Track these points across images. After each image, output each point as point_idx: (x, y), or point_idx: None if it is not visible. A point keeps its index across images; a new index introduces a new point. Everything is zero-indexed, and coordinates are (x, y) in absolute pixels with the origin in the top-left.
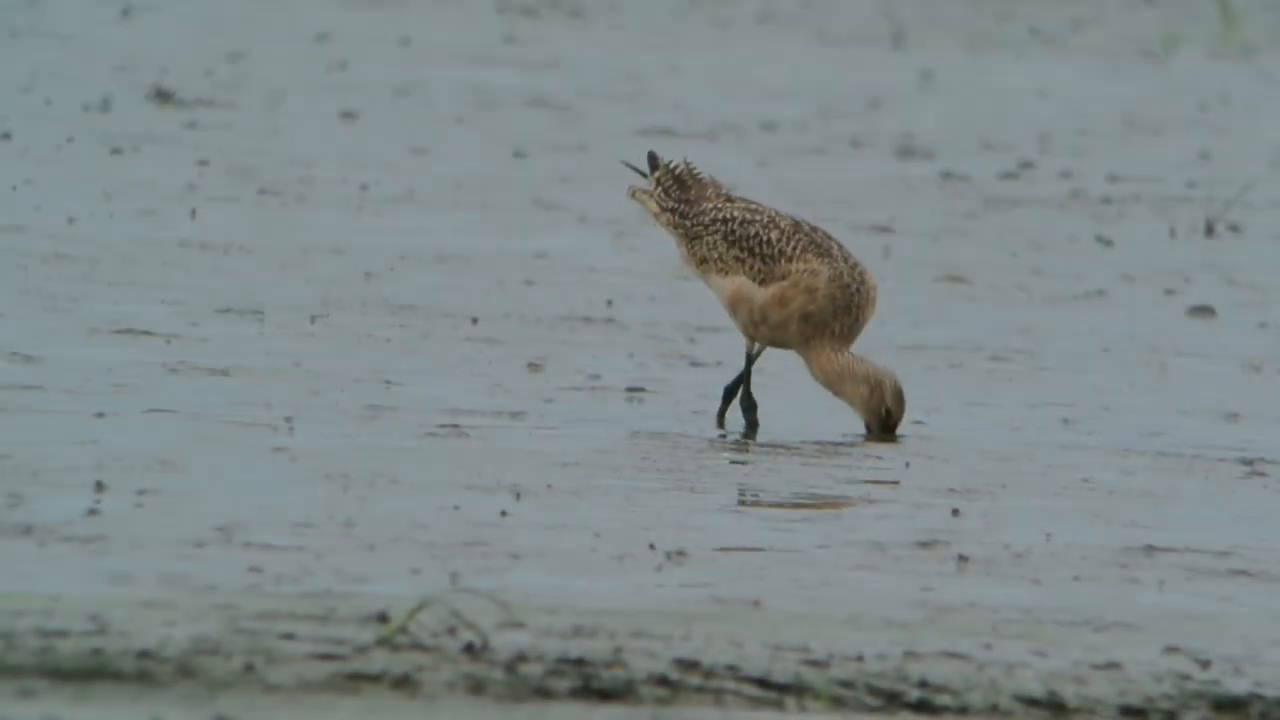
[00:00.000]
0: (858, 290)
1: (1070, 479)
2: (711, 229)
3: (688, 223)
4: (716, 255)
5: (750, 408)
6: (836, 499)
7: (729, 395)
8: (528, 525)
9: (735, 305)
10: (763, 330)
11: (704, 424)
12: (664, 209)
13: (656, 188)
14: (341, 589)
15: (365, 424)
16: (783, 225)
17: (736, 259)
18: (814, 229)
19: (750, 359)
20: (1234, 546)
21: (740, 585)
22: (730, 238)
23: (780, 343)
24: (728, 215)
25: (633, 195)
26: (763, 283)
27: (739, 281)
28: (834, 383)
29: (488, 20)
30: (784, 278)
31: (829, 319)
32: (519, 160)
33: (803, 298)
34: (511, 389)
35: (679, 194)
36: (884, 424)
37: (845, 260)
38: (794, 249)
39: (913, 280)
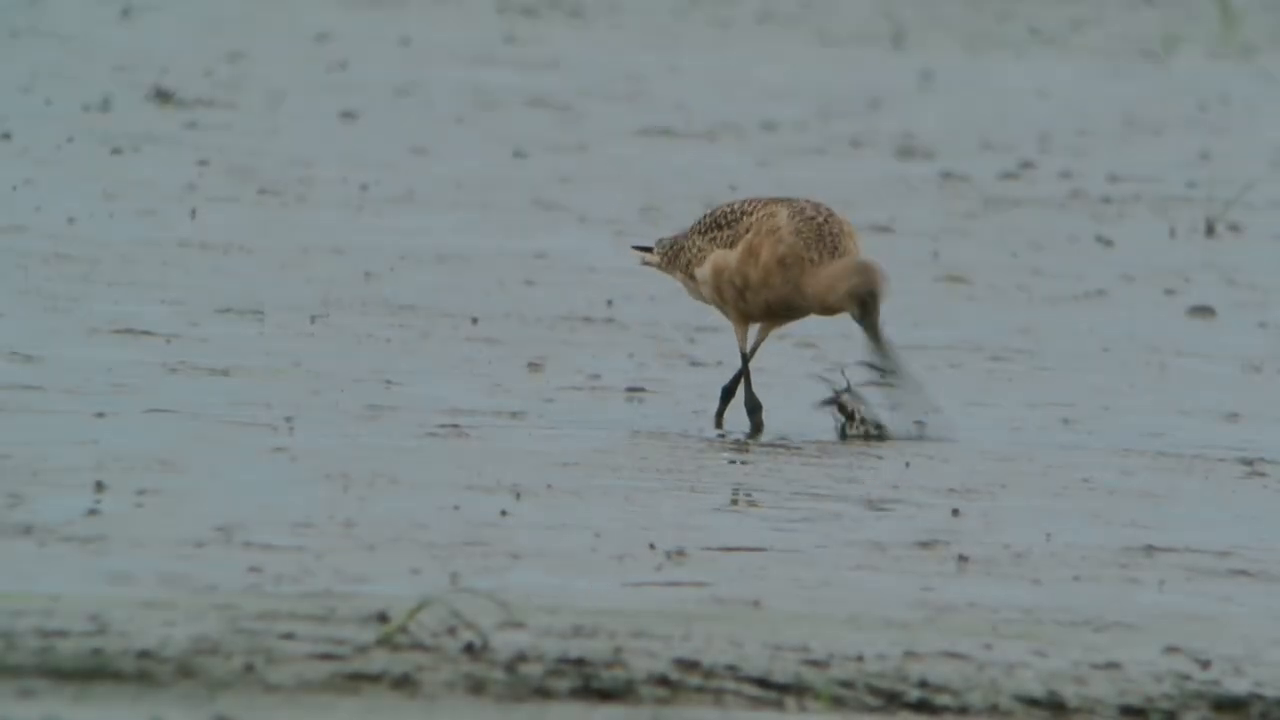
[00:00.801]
0: (826, 220)
1: (1070, 479)
2: (689, 235)
3: (674, 248)
4: (695, 249)
5: (755, 408)
6: (836, 499)
7: (727, 396)
8: (528, 525)
9: (718, 284)
10: (753, 300)
11: (704, 424)
12: (662, 254)
13: (658, 249)
14: (341, 589)
15: (365, 424)
16: (746, 197)
17: (710, 240)
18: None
19: (745, 357)
20: (1234, 546)
21: (740, 585)
22: (701, 229)
23: (778, 308)
24: (700, 217)
25: (643, 263)
26: (731, 245)
27: (713, 257)
28: (826, 292)
29: (488, 20)
30: (747, 230)
31: (803, 252)
32: (519, 160)
33: (769, 241)
34: (511, 389)
35: (671, 239)
36: (864, 309)
37: (808, 200)
38: (752, 205)
39: (913, 280)
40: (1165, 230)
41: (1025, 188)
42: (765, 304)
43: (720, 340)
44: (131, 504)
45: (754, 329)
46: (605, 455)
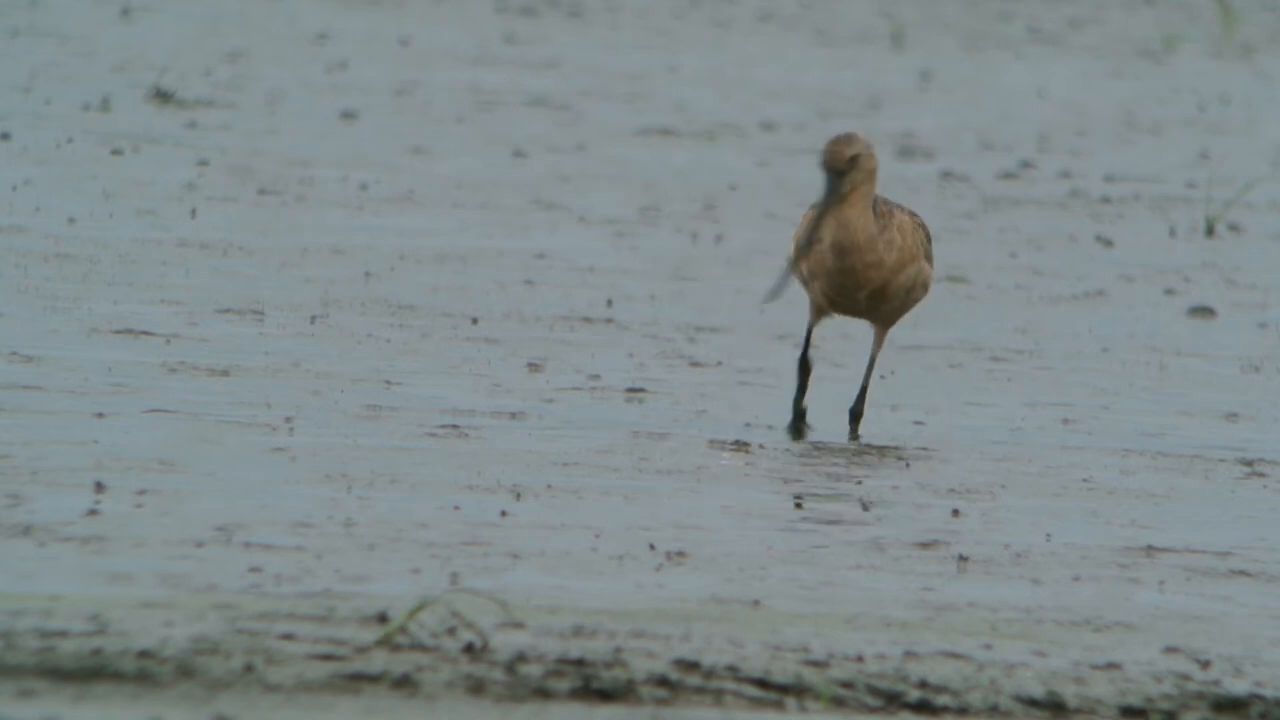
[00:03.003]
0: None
1: (1070, 479)
2: None
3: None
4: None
5: (804, 370)
6: (836, 499)
7: (855, 417)
8: (528, 525)
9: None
10: (814, 287)
11: (704, 424)
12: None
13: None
14: (341, 589)
15: (365, 424)
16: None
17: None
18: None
19: (810, 329)
20: (1234, 546)
21: (740, 585)
22: None
23: (833, 293)
24: None
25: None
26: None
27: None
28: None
29: (487, 20)
30: None
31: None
32: (519, 160)
33: (802, 229)
34: (511, 389)
35: None
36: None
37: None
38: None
39: None
40: (1165, 230)
41: (1025, 188)
42: (825, 290)
43: (721, 340)
44: (131, 504)
45: (822, 321)
46: (605, 455)
